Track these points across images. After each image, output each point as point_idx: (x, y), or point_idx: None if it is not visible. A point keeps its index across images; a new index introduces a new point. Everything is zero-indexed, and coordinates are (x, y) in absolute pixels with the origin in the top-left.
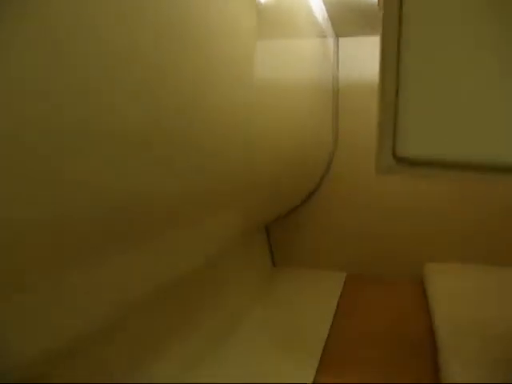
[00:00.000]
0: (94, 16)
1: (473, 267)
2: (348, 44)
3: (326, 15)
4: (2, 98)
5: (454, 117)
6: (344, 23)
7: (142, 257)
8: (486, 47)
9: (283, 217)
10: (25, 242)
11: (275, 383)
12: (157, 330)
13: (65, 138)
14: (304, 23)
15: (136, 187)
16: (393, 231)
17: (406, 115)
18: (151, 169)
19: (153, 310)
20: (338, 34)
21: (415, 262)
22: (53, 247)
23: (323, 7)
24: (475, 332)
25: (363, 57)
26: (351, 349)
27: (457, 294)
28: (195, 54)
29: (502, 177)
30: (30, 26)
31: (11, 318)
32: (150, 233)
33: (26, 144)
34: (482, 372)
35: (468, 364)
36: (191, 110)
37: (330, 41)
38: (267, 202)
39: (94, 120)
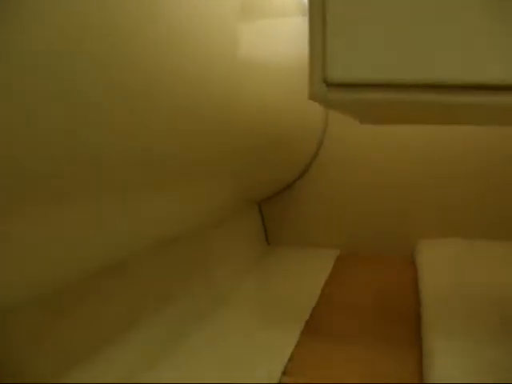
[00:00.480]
0: None
1: (464, 241)
2: None
3: None
4: None
5: (382, 37)
6: None
7: (133, 212)
8: None
9: (276, 195)
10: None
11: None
12: (146, 290)
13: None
14: (288, 1)
15: (132, 142)
16: (385, 209)
17: (333, 39)
18: (147, 127)
19: (145, 270)
20: None
21: (408, 239)
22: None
23: None
24: (458, 299)
25: None
26: (337, 317)
27: (444, 265)
28: (180, 34)
29: (434, 96)
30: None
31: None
32: (143, 188)
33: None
34: (462, 337)
35: (448, 330)
36: (180, 84)
37: None
38: (255, 175)
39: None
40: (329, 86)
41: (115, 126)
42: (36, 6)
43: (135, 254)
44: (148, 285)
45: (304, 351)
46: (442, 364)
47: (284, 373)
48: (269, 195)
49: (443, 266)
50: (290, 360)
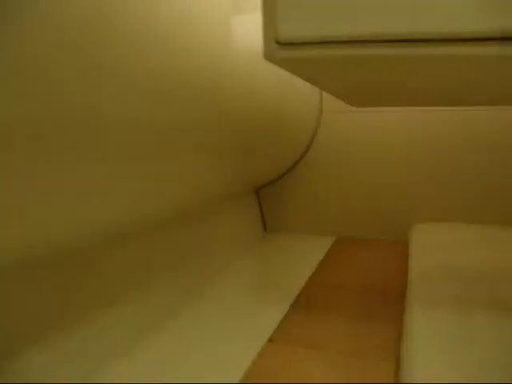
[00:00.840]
0: None
1: (458, 225)
2: None
3: None
4: None
5: None
6: None
7: (132, 185)
8: None
9: (273, 183)
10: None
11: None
12: (147, 264)
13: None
14: None
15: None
16: (382, 194)
17: (282, 0)
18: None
19: (143, 245)
20: None
21: (404, 224)
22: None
23: None
24: (444, 279)
25: None
26: (326, 293)
27: (435, 248)
28: (178, 28)
29: (386, 50)
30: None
31: None
32: (142, 161)
33: None
34: (441, 309)
35: (429, 304)
36: (178, 71)
37: None
38: (252, 160)
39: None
40: (280, 45)
41: (117, 100)
42: None
43: (135, 229)
44: (144, 259)
45: (290, 322)
46: (418, 343)
47: (270, 340)
48: (266, 182)
49: (434, 248)
50: (276, 329)
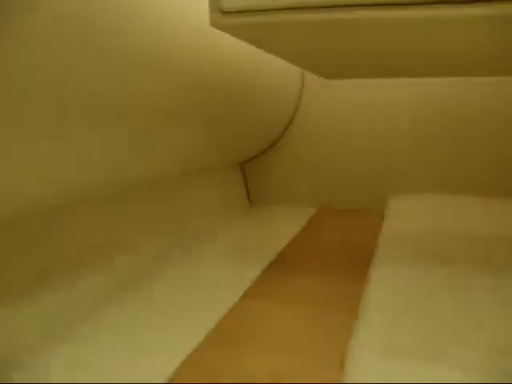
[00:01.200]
0: None
1: (432, 196)
2: None
3: None
4: None
5: None
6: None
7: (118, 150)
8: None
9: (258, 157)
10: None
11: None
12: (130, 225)
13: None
14: None
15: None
16: (362, 167)
17: None
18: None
19: (129, 206)
20: None
21: (383, 196)
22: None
23: None
24: (407, 240)
25: None
26: (302, 256)
27: (406, 214)
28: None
29: (318, 15)
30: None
31: None
32: (128, 127)
33: None
34: (399, 267)
35: (389, 263)
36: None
37: None
38: (235, 132)
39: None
40: (224, 13)
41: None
42: None
43: (110, 194)
44: (127, 221)
45: (265, 280)
46: (374, 295)
47: (245, 295)
48: (251, 157)
49: (405, 216)
50: (251, 286)
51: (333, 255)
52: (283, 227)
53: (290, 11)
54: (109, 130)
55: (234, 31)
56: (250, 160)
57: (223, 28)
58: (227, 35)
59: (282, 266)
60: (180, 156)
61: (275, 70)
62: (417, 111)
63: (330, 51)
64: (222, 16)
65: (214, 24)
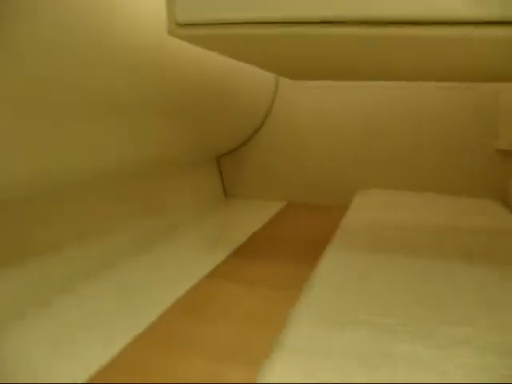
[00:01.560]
0: None
1: (397, 192)
2: None
3: None
4: None
5: None
6: None
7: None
8: None
9: (233, 152)
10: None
11: None
12: (108, 214)
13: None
14: None
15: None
16: (331, 163)
17: None
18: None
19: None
20: None
21: (350, 191)
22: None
23: None
24: (363, 231)
25: None
26: (263, 245)
27: (368, 208)
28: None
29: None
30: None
31: None
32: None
33: None
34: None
35: (341, 248)
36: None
37: None
38: (209, 127)
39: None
40: (180, 26)
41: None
42: None
43: (99, 181)
44: (105, 210)
45: (228, 264)
46: (318, 277)
47: (207, 276)
48: (226, 151)
49: (367, 209)
50: (214, 269)
51: (293, 245)
52: (252, 219)
53: (241, 25)
54: (91, 123)
55: (189, 41)
56: (227, 155)
57: (180, 38)
58: None
59: (245, 252)
60: (158, 150)
61: (249, 72)
62: (382, 110)
63: (284, 59)
64: (177, 27)
65: (171, 34)
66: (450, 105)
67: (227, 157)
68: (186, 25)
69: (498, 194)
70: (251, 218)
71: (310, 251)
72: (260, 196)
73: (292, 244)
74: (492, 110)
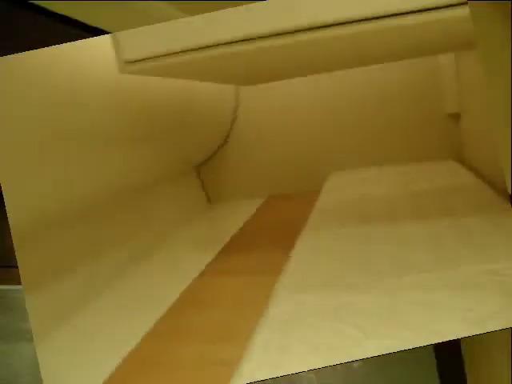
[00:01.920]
0: None
1: (365, 169)
2: None
3: None
4: None
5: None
6: None
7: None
8: None
9: (210, 159)
10: None
11: None
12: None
13: None
14: None
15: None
16: (302, 154)
17: (122, 38)
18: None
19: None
20: None
21: (323, 174)
22: None
23: None
24: (332, 209)
25: None
26: (248, 239)
27: (336, 189)
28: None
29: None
30: None
31: None
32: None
33: None
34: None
35: (315, 227)
36: None
37: None
38: (182, 141)
39: None
40: (128, 63)
41: None
42: None
43: (95, 202)
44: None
45: (217, 262)
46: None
47: (201, 274)
48: (202, 160)
49: (336, 190)
50: (205, 267)
51: (274, 233)
52: (236, 219)
53: (183, 53)
54: (89, 154)
55: (140, 74)
56: (204, 164)
57: (130, 73)
58: None
59: (232, 248)
60: (141, 169)
61: (208, 86)
62: (339, 96)
63: (230, 72)
64: (126, 65)
65: (122, 71)
66: (397, 81)
67: (205, 165)
68: (133, 61)
69: (456, 154)
70: (234, 217)
71: (289, 236)
72: (241, 196)
73: (273, 233)
74: (437, 79)
